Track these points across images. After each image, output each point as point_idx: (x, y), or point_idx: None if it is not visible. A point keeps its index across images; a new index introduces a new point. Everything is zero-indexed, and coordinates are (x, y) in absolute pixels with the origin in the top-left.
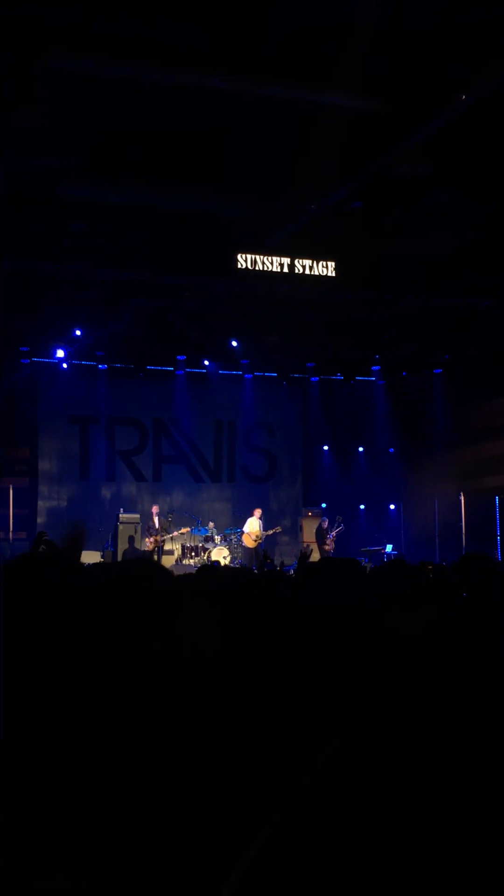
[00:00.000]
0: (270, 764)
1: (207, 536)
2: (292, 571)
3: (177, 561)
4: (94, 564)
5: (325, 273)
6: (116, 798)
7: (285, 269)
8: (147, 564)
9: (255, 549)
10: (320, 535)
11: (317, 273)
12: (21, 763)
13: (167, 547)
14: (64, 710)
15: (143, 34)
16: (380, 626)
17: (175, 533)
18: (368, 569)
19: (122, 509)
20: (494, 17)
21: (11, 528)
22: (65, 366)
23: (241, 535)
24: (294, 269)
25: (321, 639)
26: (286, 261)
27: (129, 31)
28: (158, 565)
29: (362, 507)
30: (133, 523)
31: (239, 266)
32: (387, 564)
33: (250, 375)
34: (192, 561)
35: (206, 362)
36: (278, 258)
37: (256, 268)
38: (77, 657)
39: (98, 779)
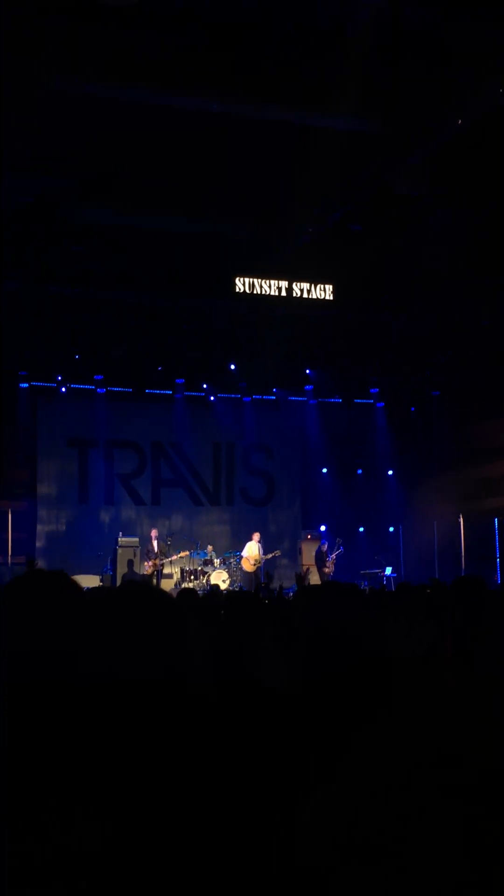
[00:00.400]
0: (270, 778)
1: (206, 560)
2: (292, 594)
3: (176, 584)
4: (93, 588)
5: (323, 296)
6: (113, 808)
7: (283, 293)
8: (145, 588)
9: (255, 572)
10: (320, 558)
11: (315, 296)
12: (19, 772)
13: (166, 571)
14: (57, 726)
15: (142, 57)
16: (381, 644)
17: (174, 557)
18: (367, 592)
19: (121, 533)
20: (491, 37)
21: (10, 552)
22: (63, 389)
23: (240, 559)
24: (292, 292)
25: (321, 661)
26: (284, 284)
27: (128, 53)
28: (157, 589)
29: (361, 529)
30: (132, 547)
31: (237, 289)
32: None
33: (249, 398)
34: (191, 584)
35: (205, 385)
36: (276, 281)
37: (255, 291)
38: (72, 672)
39: (94, 791)
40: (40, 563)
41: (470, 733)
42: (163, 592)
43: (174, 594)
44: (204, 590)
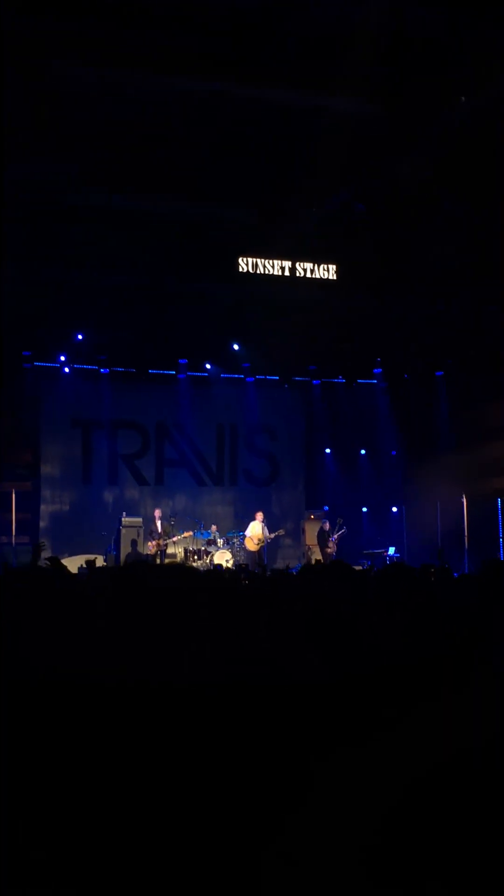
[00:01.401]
0: (273, 768)
1: (210, 540)
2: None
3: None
4: (98, 568)
5: (326, 276)
6: (116, 802)
7: (287, 273)
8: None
9: (259, 552)
10: (322, 538)
11: (318, 276)
12: (22, 765)
13: (170, 550)
14: (64, 713)
15: (146, 41)
16: (383, 629)
17: (177, 537)
18: (371, 571)
19: (124, 513)
20: (497, 23)
21: (14, 533)
22: (67, 370)
23: (243, 539)
24: (296, 273)
25: (325, 642)
26: (287, 264)
27: (131, 38)
28: (158, 567)
29: (364, 509)
30: (136, 527)
31: (240, 269)
32: (390, 567)
33: (252, 379)
34: (195, 564)
35: (208, 366)
36: (280, 262)
37: (258, 271)
38: (78, 662)
39: (98, 783)
40: (46, 545)
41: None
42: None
43: None
44: (207, 569)
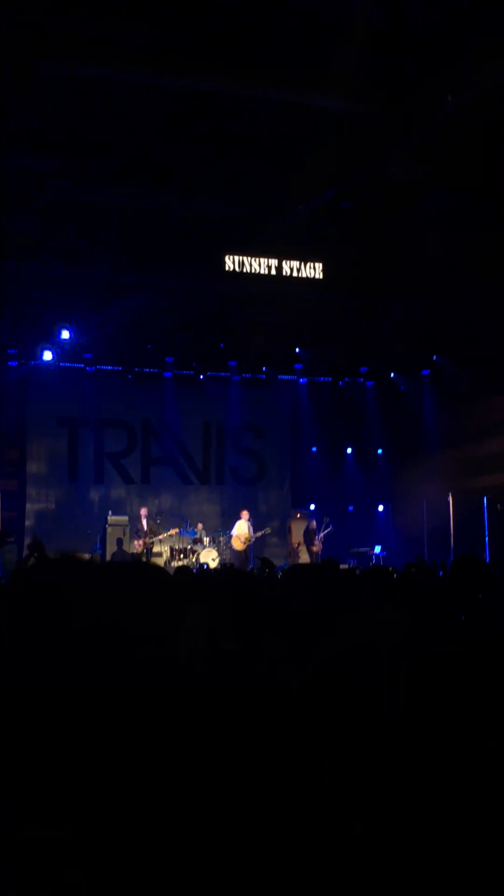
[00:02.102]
0: (263, 765)
1: (196, 538)
2: (280, 573)
3: (165, 563)
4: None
5: (312, 275)
6: (111, 800)
7: (273, 271)
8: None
9: (245, 551)
10: (308, 537)
11: (305, 275)
12: (21, 767)
13: (156, 549)
14: (59, 714)
15: (139, 38)
16: (362, 627)
17: (163, 535)
18: (357, 570)
19: (110, 511)
20: (488, 21)
21: None
22: (53, 367)
23: (230, 538)
24: (282, 271)
25: (304, 640)
26: (274, 262)
27: (124, 34)
28: (156, 567)
29: (351, 508)
30: (122, 525)
31: (227, 268)
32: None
33: (238, 377)
34: (181, 563)
35: (195, 364)
36: (266, 259)
37: (244, 269)
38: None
39: (93, 782)
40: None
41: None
42: (161, 571)
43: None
44: (195, 568)
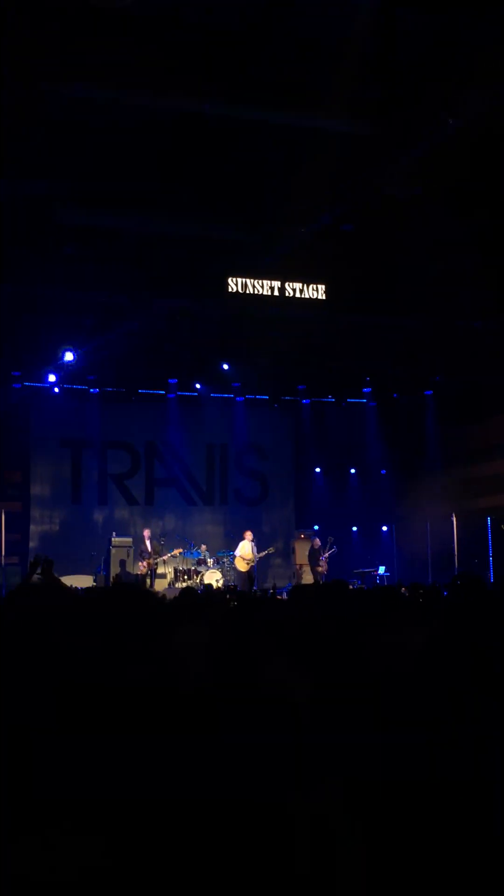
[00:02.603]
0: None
1: (200, 559)
2: (285, 594)
3: (169, 584)
4: (88, 588)
5: (315, 296)
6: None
7: (276, 293)
8: (136, 590)
9: (249, 572)
10: (313, 557)
11: (307, 296)
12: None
13: (160, 570)
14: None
15: (135, 60)
16: (371, 648)
17: (167, 556)
18: (362, 591)
19: (114, 533)
20: (482, 41)
21: (3, 553)
22: (56, 390)
23: (233, 559)
24: (285, 293)
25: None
26: (277, 284)
27: (121, 57)
28: (148, 592)
29: (355, 528)
30: (125, 547)
31: (230, 289)
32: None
33: (242, 398)
34: (184, 584)
35: (198, 385)
36: (269, 281)
37: (247, 291)
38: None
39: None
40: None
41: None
42: (150, 593)
43: (170, 594)
44: (199, 589)
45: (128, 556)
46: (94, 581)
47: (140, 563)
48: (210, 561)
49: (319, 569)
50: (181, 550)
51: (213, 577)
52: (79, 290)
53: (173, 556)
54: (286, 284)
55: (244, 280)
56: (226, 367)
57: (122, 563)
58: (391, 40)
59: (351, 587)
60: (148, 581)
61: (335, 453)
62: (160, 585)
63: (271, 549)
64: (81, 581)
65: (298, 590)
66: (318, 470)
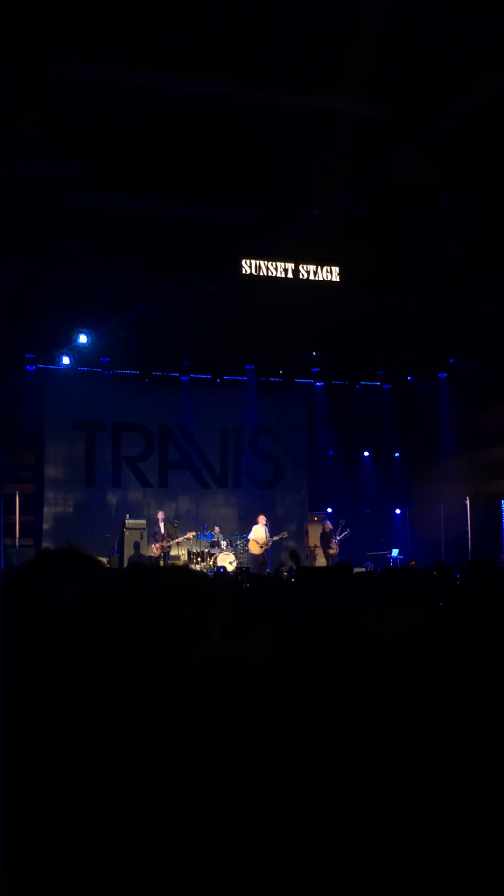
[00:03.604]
0: (273, 771)
1: (213, 542)
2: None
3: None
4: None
5: (329, 278)
6: (117, 803)
7: (290, 275)
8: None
9: (262, 555)
10: (325, 540)
11: (321, 278)
12: (23, 767)
13: (173, 552)
14: (68, 714)
15: (147, 41)
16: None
17: (181, 538)
18: (375, 573)
19: (128, 515)
20: (497, 23)
21: (18, 535)
22: (70, 372)
23: (247, 542)
24: (298, 275)
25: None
26: (290, 266)
27: (132, 37)
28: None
29: (368, 511)
30: (139, 529)
31: (243, 272)
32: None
33: (255, 381)
34: (198, 566)
35: (211, 368)
36: (283, 263)
37: (261, 273)
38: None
39: (100, 784)
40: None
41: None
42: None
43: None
44: (211, 571)
45: (141, 538)
46: (108, 563)
47: (153, 546)
48: (223, 543)
49: (332, 551)
50: (195, 533)
51: (227, 560)
52: (92, 272)
53: (187, 539)
54: (300, 266)
55: (258, 262)
56: (239, 349)
57: (136, 546)
58: (405, 21)
59: (363, 570)
60: (161, 563)
61: (348, 436)
62: None
63: (284, 534)
64: None
65: (305, 572)
66: (331, 453)
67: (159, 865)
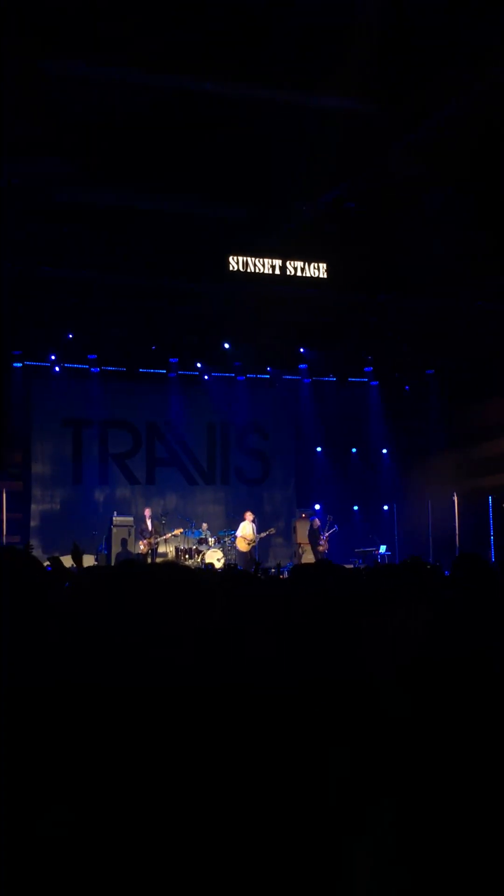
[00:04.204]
0: (265, 769)
1: (201, 539)
2: (286, 574)
3: None
4: (92, 567)
5: (317, 275)
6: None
7: (277, 271)
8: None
9: (250, 552)
10: (313, 537)
11: (309, 275)
12: (22, 766)
13: (161, 549)
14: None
15: (139, 37)
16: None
17: (168, 535)
18: (363, 571)
19: (115, 512)
20: (490, 21)
21: (5, 532)
22: (57, 369)
23: (234, 539)
24: (286, 271)
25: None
26: (278, 262)
27: (124, 34)
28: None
29: (356, 508)
30: (126, 526)
31: (231, 268)
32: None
33: (243, 377)
34: (186, 563)
35: (199, 365)
36: (270, 260)
37: (248, 270)
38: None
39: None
40: (34, 545)
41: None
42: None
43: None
44: (199, 568)
45: (129, 535)
46: (96, 560)
47: (141, 543)
48: (211, 540)
49: (320, 548)
50: (182, 531)
51: (215, 557)
52: (78, 269)
53: (174, 536)
54: (287, 263)
55: (245, 258)
56: (226, 346)
57: (124, 543)
58: (398, 18)
59: (351, 567)
60: (149, 560)
61: (336, 433)
62: None
63: (272, 530)
64: (83, 561)
65: (299, 569)
66: (319, 449)
67: (156, 865)
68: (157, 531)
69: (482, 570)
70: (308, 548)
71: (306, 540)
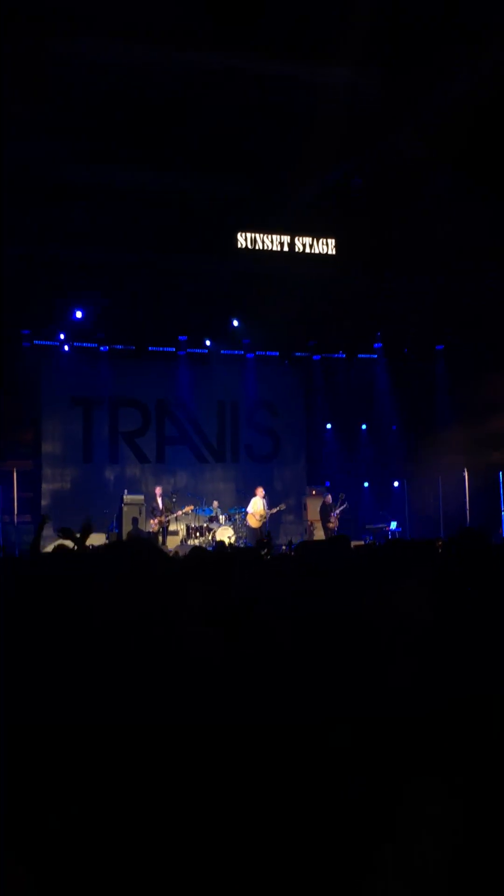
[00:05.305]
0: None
1: (212, 516)
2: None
3: (182, 541)
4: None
5: (325, 251)
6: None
7: (286, 248)
8: (144, 546)
9: (261, 528)
10: (324, 513)
11: (317, 251)
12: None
13: (172, 527)
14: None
15: (142, 14)
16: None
17: (179, 513)
18: (374, 545)
19: (126, 491)
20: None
21: (16, 511)
22: (66, 348)
23: (245, 516)
24: (294, 248)
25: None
26: (286, 239)
27: (126, 12)
28: (156, 547)
29: (366, 484)
30: (137, 504)
31: (239, 245)
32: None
33: (252, 355)
34: (197, 541)
35: (208, 342)
36: (278, 237)
37: (257, 247)
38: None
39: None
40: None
41: None
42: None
43: (182, 551)
44: (210, 546)
45: (140, 513)
46: (107, 538)
47: (152, 521)
48: (222, 518)
49: (331, 525)
50: (192, 508)
51: (225, 534)
52: (87, 247)
53: (185, 514)
54: (296, 239)
55: (253, 235)
56: (235, 323)
57: (135, 521)
58: None
59: (362, 543)
60: (160, 538)
61: (346, 409)
62: (172, 542)
63: (282, 506)
64: (94, 539)
65: (304, 546)
66: (328, 426)
67: (155, 870)
68: (168, 509)
69: (478, 544)
70: (319, 524)
71: (317, 517)
